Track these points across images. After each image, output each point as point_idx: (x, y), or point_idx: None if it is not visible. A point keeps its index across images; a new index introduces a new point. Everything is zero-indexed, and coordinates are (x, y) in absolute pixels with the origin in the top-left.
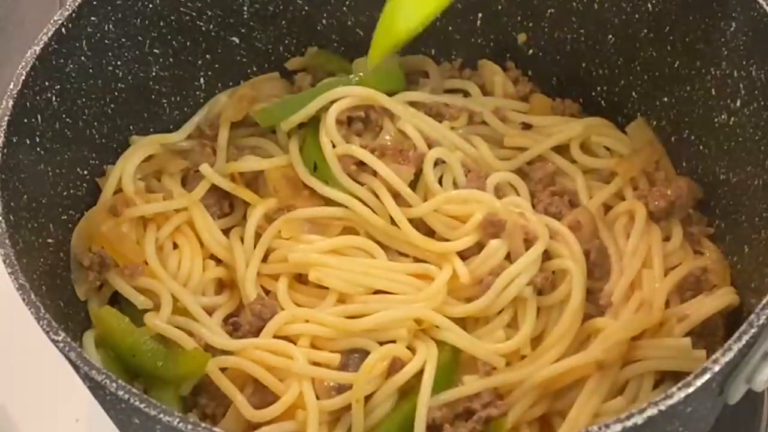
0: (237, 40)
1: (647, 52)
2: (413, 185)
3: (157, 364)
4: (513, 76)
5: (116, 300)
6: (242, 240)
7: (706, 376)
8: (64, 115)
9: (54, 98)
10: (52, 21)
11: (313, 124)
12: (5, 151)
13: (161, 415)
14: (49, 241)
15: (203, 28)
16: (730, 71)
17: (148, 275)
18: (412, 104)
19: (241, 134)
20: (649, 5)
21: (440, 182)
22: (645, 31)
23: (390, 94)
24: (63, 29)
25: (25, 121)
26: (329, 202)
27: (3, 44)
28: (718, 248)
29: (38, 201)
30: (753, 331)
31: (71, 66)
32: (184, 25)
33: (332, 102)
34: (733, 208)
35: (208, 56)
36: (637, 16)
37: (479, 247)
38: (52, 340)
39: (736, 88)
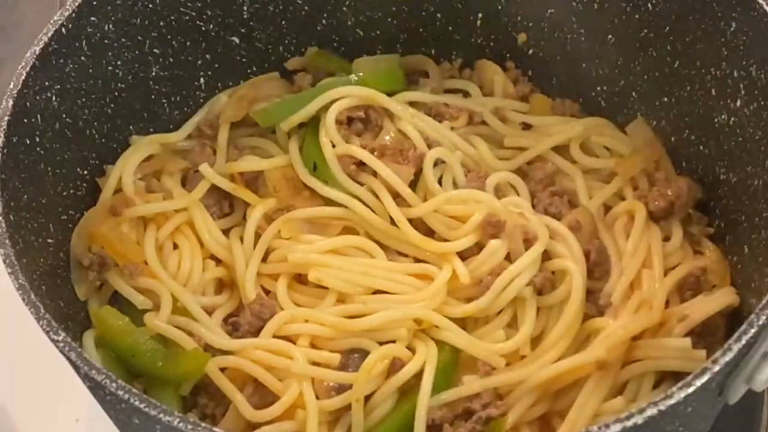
0: (237, 40)
1: (647, 52)
2: (413, 185)
3: (157, 364)
4: (513, 76)
5: (116, 300)
6: (242, 240)
7: (706, 377)
8: (64, 115)
9: (54, 98)
10: (52, 21)
11: (313, 124)
12: (5, 151)
13: (161, 415)
14: (49, 241)
15: (203, 28)
16: (730, 71)
17: (147, 275)
18: (412, 104)
19: (241, 134)
20: (649, 5)
21: (440, 182)
22: (645, 31)
23: (390, 94)
24: (63, 29)
25: (25, 121)
26: (329, 202)
27: (3, 44)
28: (718, 248)
29: (38, 201)
30: (753, 331)
31: (71, 66)
32: (184, 25)
33: (332, 102)
34: (733, 208)
35: (208, 56)
36: (637, 16)
37: (479, 247)
38: (52, 340)
39: (736, 88)
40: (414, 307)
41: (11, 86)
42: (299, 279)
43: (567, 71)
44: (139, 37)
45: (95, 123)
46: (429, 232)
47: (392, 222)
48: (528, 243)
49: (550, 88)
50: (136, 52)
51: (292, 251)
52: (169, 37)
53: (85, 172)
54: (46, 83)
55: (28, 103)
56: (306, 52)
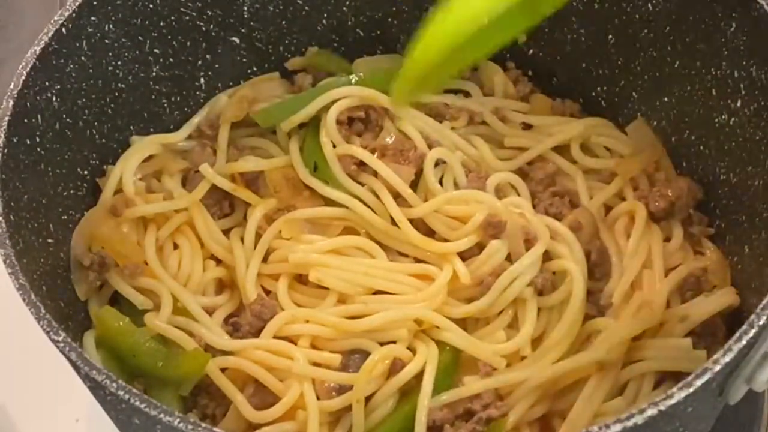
0: (237, 40)
1: (647, 52)
2: (414, 185)
3: (158, 365)
4: (513, 76)
5: (116, 300)
6: (242, 240)
7: (706, 377)
8: (64, 115)
9: (54, 98)
10: (52, 21)
11: (313, 124)
12: (5, 151)
13: (161, 415)
14: (49, 241)
15: (203, 28)
16: (730, 71)
17: (148, 275)
18: (412, 104)
19: (241, 134)
20: (649, 5)
21: (441, 182)
22: (645, 31)
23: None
24: (63, 29)
25: (25, 121)
26: (329, 202)
27: (3, 44)
28: (719, 248)
29: (38, 201)
30: (753, 331)
31: (71, 66)
32: (184, 25)
33: (333, 102)
34: (733, 208)
35: (208, 56)
36: (637, 16)
37: (480, 247)
38: (53, 340)
39: (736, 88)
40: (414, 308)
41: (11, 86)
42: (300, 279)
43: (567, 71)
44: (139, 37)
45: (95, 123)
46: (430, 233)
47: (393, 222)
48: (529, 243)
49: (550, 88)
50: (136, 52)
51: (293, 251)
52: (169, 37)
53: (85, 172)
54: (46, 83)
55: (28, 103)
56: (306, 52)
